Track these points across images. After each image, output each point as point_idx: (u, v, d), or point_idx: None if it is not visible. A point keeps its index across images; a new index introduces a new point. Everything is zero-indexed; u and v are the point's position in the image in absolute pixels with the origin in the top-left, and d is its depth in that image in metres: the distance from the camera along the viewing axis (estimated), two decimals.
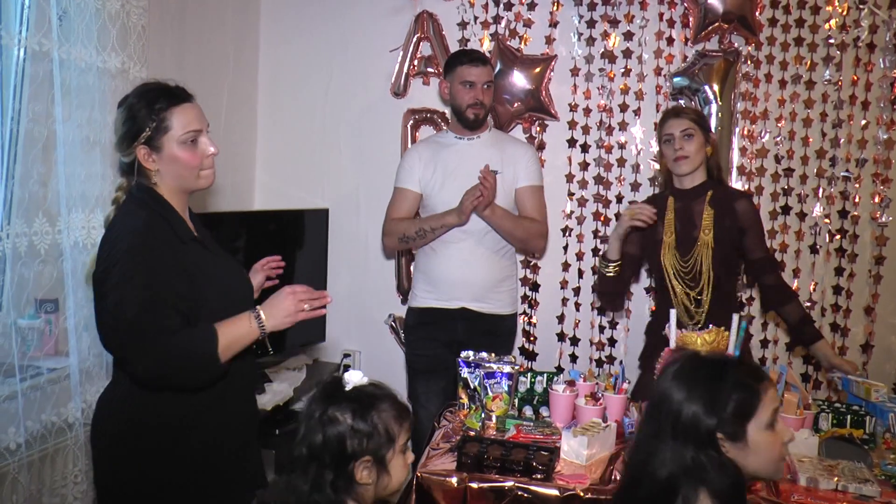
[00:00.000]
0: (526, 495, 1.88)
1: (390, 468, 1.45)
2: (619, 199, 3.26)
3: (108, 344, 1.73)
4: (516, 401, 2.38)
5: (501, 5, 3.30)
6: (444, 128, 3.04)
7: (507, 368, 2.27)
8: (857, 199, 3.07)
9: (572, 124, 3.29)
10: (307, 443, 1.43)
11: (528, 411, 2.36)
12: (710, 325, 2.16)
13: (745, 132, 3.14)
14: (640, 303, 3.27)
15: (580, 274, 3.33)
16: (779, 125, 3.12)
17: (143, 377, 1.67)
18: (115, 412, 1.76)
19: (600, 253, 2.98)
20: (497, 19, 3.31)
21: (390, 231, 2.85)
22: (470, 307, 2.81)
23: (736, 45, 3.10)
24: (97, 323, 1.74)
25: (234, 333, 1.68)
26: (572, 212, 3.32)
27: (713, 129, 2.63)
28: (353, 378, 1.47)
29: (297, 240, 3.41)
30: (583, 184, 3.30)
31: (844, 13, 3.03)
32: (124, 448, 1.72)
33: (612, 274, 2.68)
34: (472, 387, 2.29)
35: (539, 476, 1.91)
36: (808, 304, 3.13)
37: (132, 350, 1.63)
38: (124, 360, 1.70)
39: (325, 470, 1.41)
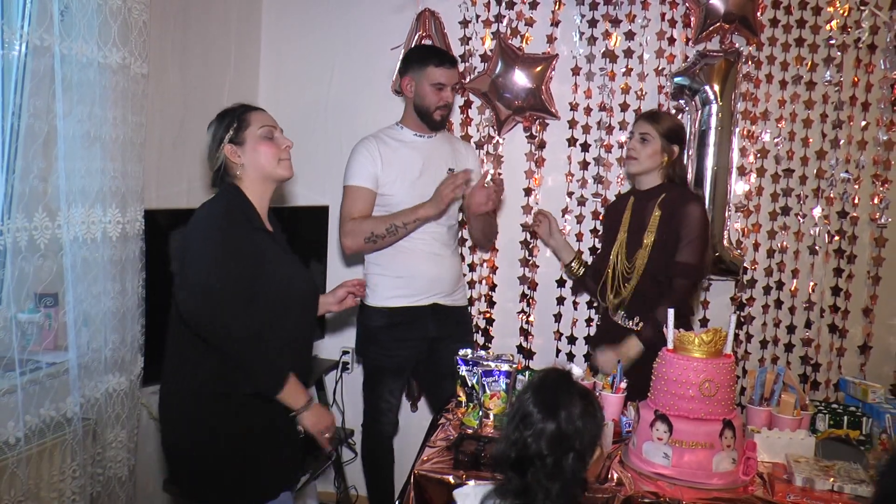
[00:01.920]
0: None
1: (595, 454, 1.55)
2: None
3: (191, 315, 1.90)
4: (514, 399, 2.38)
5: (503, 4, 3.30)
6: (396, 123, 2.92)
7: (505, 367, 2.27)
8: (856, 201, 3.07)
9: (573, 123, 3.29)
10: (555, 439, 1.46)
11: None
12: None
13: (746, 132, 3.14)
14: None
15: None
16: (779, 126, 3.12)
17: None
18: (193, 388, 1.98)
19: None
20: (499, 18, 3.31)
21: (352, 231, 2.73)
22: (440, 302, 2.84)
23: (737, 45, 3.10)
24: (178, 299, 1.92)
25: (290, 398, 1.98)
26: (571, 210, 3.32)
27: (681, 144, 2.64)
28: (578, 373, 1.55)
29: (297, 236, 3.39)
30: (582, 183, 3.30)
31: (845, 14, 3.03)
32: (198, 424, 1.97)
33: (580, 272, 2.91)
34: (469, 385, 2.29)
35: None
36: (807, 304, 3.14)
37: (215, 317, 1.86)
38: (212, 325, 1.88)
39: (568, 455, 1.46)
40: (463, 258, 3.29)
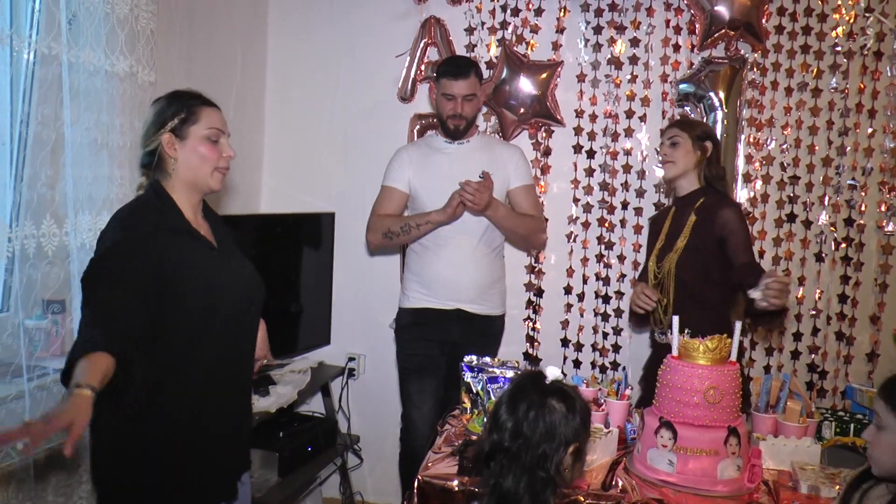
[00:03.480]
0: None
1: (583, 459, 1.52)
2: (625, 205, 3.26)
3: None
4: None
5: (509, 11, 3.31)
6: (436, 132, 3.05)
7: (509, 373, 2.28)
8: (863, 208, 3.07)
9: (578, 130, 3.30)
10: (513, 433, 1.46)
11: None
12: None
13: (751, 139, 3.14)
14: None
15: (584, 279, 3.33)
16: (785, 133, 3.12)
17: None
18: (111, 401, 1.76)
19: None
20: (504, 25, 3.33)
21: (374, 226, 2.89)
22: (465, 308, 2.85)
23: (742, 52, 3.10)
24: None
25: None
26: (577, 217, 3.32)
27: (713, 140, 2.62)
28: (553, 373, 1.55)
29: (303, 243, 3.42)
30: (588, 189, 3.31)
31: (851, 21, 3.03)
32: (121, 436, 1.75)
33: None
34: (474, 391, 2.29)
35: None
36: (814, 312, 3.13)
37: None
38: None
39: (527, 450, 1.45)
40: None
